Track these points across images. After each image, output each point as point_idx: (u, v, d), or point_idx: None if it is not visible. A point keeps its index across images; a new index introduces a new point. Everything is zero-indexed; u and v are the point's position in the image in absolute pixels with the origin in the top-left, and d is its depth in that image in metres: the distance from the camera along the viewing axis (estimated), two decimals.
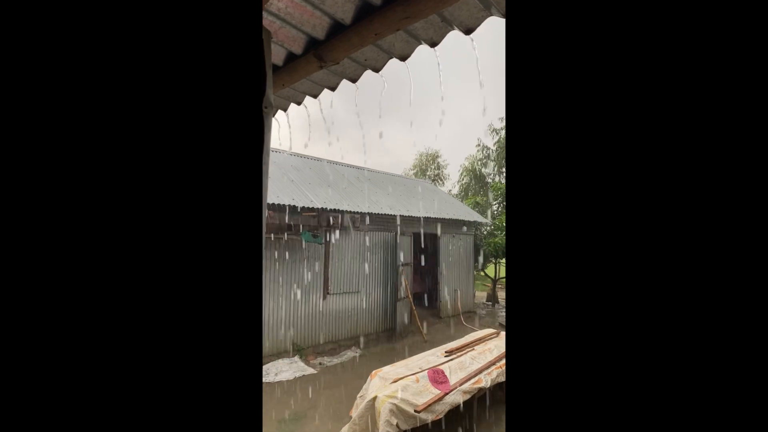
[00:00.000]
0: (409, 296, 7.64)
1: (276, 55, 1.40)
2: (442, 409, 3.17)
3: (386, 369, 3.75)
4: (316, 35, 1.29)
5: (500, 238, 10.64)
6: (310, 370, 5.43)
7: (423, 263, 8.50)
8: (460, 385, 3.44)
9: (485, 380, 3.60)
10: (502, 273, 11.43)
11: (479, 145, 19.43)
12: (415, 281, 9.23)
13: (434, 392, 3.26)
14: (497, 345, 4.57)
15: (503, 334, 5.04)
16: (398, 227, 7.71)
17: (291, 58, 1.41)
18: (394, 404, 3.01)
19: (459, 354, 4.25)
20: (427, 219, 8.27)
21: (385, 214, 7.32)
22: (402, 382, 3.31)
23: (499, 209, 14.94)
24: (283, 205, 5.72)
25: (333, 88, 1.59)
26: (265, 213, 0.75)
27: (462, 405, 3.35)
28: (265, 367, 5.34)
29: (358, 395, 3.58)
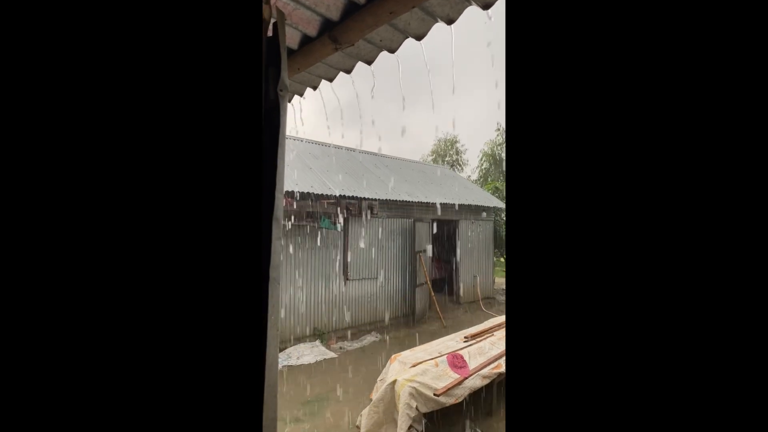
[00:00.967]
0: (428, 282, 7.65)
1: (291, 38, 1.39)
2: (461, 393, 3.19)
3: (406, 353, 3.79)
4: (330, 16, 1.27)
5: None
6: (331, 354, 5.55)
7: (442, 249, 8.48)
8: (480, 369, 3.44)
9: (505, 366, 3.59)
10: None
11: (498, 129, 19.02)
12: (434, 267, 9.23)
13: (453, 376, 3.28)
14: None
15: None
16: (416, 214, 7.68)
17: (306, 41, 1.40)
18: (414, 388, 3.04)
19: (478, 339, 4.24)
20: (445, 205, 8.20)
21: (403, 200, 7.30)
22: (421, 367, 3.34)
23: None
24: (303, 192, 5.77)
25: (348, 71, 1.57)
26: (282, 198, 0.74)
27: (483, 390, 3.36)
28: (287, 351, 5.49)
29: (378, 378, 3.64)
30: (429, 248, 7.96)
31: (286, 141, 7.87)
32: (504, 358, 3.74)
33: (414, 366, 3.38)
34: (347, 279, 6.59)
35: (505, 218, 11.64)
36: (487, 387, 3.47)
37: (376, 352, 5.57)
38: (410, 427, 2.98)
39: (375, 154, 9.85)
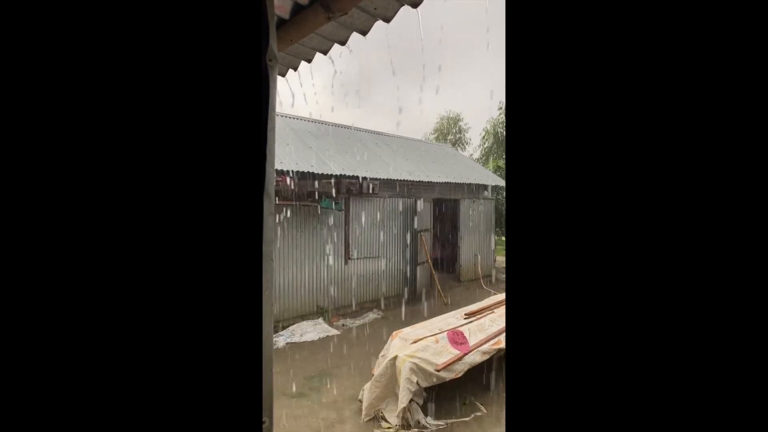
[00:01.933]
0: (429, 260, 7.69)
1: (281, 6, 1.33)
2: (461, 368, 3.25)
3: (407, 330, 3.84)
4: None
5: None
6: (334, 331, 5.64)
7: (443, 228, 8.49)
8: (480, 345, 3.49)
9: (504, 342, 3.64)
10: None
11: (501, 108, 18.69)
12: (435, 246, 9.26)
13: (453, 352, 3.33)
14: None
15: None
16: (418, 193, 7.64)
17: (297, 9, 1.34)
18: (415, 363, 3.10)
19: (478, 316, 4.29)
20: (447, 184, 8.15)
21: (404, 179, 7.25)
22: (422, 343, 3.38)
23: None
24: (302, 171, 5.73)
25: (343, 42, 1.52)
26: (273, 172, 0.72)
27: (483, 365, 3.42)
28: (290, 329, 5.58)
29: (380, 354, 3.70)
30: (429, 227, 7.96)
31: (289, 121, 7.75)
32: (504, 334, 3.78)
33: (415, 342, 3.43)
34: (349, 258, 6.62)
35: (505, 197, 11.58)
36: (487, 362, 3.53)
37: (377, 329, 5.66)
38: (411, 400, 3.05)
39: (376, 133, 9.72)
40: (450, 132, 23.12)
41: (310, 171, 5.82)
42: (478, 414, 3.29)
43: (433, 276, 7.74)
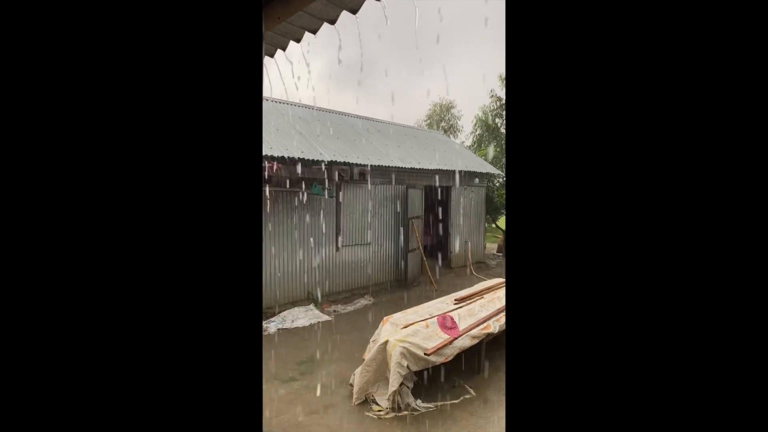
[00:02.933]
0: (420, 247, 7.73)
1: None
2: (451, 352, 3.29)
3: (397, 315, 3.87)
4: None
5: None
6: (325, 317, 5.66)
7: (434, 215, 8.51)
8: (469, 330, 3.54)
9: (494, 326, 3.70)
10: None
11: (492, 95, 18.59)
12: (426, 233, 9.29)
13: (443, 337, 3.37)
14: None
15: None
16: (409, 179, 7.62)
17: None
18: (405, 347, 3.13)
19: (468, 302, 4.33)
20: (438, 171, 8.13)
21: (395, 166, 7.21)
22: (412, 328, 3.41)
23: None
24: (292, 157, 5.66)
25: (332, 21, 1.48)
26: (261, 156, 0.70)
27: (472, 349, 3.47)
28: (282, 315, 5.59)
29: (371, 339, 3.73)
30: (420, 215, 7.97)
31: (279, 106, 7.59)
32: (493, 319, 3.84)
33: (405, 327, 3.46)
34: (340, 244, 6.62)
35: (498, 184, 11.62)
36: (477, 347, 3.58)
37: (368, 315, 5.69)
38: (401, 384, 3.09)
39: (368, 119, 9.62)
40: (443, 119, 22.99)
41: (300, 157, 5.75)
42: (467, 396, 3.36)
43: (424, 262, 7.79)
